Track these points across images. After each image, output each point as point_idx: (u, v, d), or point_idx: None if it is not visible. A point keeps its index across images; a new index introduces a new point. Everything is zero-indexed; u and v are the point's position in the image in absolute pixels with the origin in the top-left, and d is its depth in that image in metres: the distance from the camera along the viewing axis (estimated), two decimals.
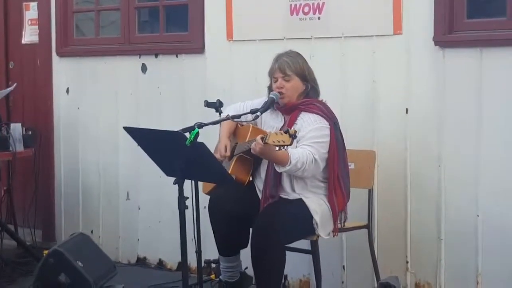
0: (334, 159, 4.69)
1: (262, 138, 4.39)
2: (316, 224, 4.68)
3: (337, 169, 4.71)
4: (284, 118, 4.82)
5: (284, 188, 4.75)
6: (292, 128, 4.32)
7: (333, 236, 4.82)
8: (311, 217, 4.68)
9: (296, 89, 4.78)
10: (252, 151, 4.52)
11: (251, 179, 4.91)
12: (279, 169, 4.57)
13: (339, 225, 4.81)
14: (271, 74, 4.84)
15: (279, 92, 4.76)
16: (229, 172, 4.71)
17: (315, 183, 4.75)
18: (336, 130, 4.71)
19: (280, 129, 4.68)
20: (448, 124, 4.98)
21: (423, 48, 5.02)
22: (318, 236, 4.72)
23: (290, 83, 4.76)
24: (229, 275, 5.02)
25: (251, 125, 4.89)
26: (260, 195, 4.82)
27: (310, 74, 4.82)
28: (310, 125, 4.66)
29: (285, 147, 4.32)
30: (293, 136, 4.24)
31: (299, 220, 4.67)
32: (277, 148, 4.30)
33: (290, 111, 4.78)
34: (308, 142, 4.60)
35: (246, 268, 5.06)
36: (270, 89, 4.88)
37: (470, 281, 4.94)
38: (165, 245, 6.27)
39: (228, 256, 4.98)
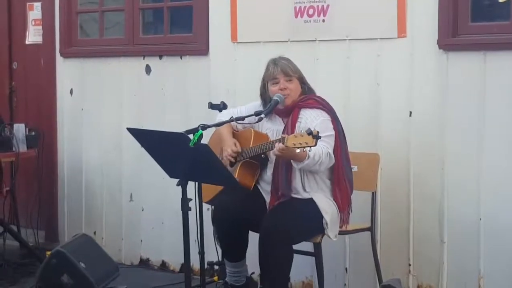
0: (337, 151, 4.69)
1: (280, 142, 4.36)
2: (326, 224, 4.68)
3: (340, 161, 4.71)
4: (283, 120, 4.82)
5: (295, 187, 4.74)
6: (305, 128, 4.31)
7: (341, 227, 4.82)
8: (321, 216, 4.68)
9: (297, 90, 4.79)
10: (273, 154, 4.55)
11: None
12: (296, 166, 4.56)
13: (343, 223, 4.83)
14: (271, 77, 4.79)
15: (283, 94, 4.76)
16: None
17: (324, 181, 4.76)
18: (337, 122, 4.73)
19: (283, 132, 4.70)
20: (452, 127, 4.98)
21: (427, 51, 5.02)
22: (323, 236, 4.72)
23: (293, 84, 4.77)
24: (235, 279, 5.03)
25: (252, 129, 4.89)
26: (266, 197, 4.82)
27: (304, 78, 4.86)
28: (314, 120, 4.65)
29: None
30: (316, 137, 4.20)
31: (308, 219, 4.66)
32: (298, 150, 4.28)
33: (288, 112, 4.78)
34: None
35: (253, 273, 5.06)
36: (264, 95, 4.87)
37: (472, 284, 4.95)
38: (168, 247, 6.27)
39: (234, 262, 4.99)
